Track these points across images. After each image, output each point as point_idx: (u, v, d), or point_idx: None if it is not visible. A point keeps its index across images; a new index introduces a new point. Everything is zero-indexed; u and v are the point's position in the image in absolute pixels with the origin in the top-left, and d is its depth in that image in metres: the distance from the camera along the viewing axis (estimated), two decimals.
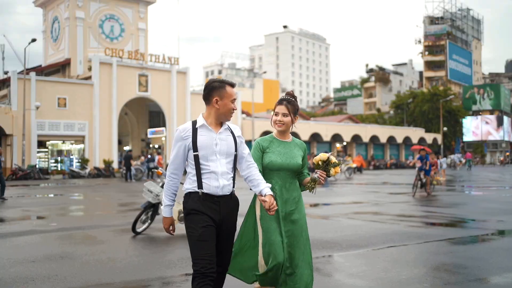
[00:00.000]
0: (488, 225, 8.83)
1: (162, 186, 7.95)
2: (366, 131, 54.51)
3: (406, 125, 65.41)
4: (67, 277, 5.10)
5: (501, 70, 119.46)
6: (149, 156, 29.76)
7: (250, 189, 3.24)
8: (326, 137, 49.41)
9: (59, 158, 34.47)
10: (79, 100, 33.09)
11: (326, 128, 50.11)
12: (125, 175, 26.65)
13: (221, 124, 3.20)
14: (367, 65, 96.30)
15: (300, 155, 3.51)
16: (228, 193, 3.14)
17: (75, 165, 33.36)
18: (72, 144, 35.20)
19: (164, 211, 3.24)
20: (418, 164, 16.23)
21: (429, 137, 62.54)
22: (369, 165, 49.03)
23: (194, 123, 3.17)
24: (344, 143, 53.27)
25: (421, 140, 60.11)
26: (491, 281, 4.85)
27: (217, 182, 3.09)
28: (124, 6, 41.45)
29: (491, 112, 79.93)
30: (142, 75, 35.79)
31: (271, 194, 3.15)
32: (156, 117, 41.14)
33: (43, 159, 33.74)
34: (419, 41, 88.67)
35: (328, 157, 3.41)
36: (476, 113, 79.95)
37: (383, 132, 56.65)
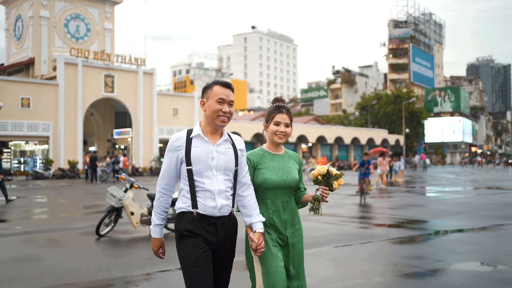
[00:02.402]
0: (433, 225, 9.58)
1: (125, 191, 8.36)
2: (331, 132, 55.67)
3: (371, 126, 67.00)
4: (33, 278, 5.47)
5: (462, 73, 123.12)
6: (116, 157, 29.77)
7: (238, 211, 2.95)
8: (292, 138, 50.22)
9: (22, 159, 34.07)
10: (43, 101, 32.79)
11: (292, 129, 50.86)
12: (90, 176, 26.66)
13: (220, 134, 2.83)
14: (333, 67, 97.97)
15: (296, 169, 3.09)
16: (226, 214, 2.77)
17: (39, 166, 33.04)
18: (36, 144, 34.83)
19: (153, 231, 2.86)
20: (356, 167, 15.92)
21: (392, 139, 64.25)
22: (333, 166, 50.06)
23: (189, 132, 2.81)
24: (310, 144, 54.24)
25: (384, 141, 61.74)
26: (440, 276, 5.49)
27: (214, 202, 2.72)
28: (90, 6, 41.17)
29: (452, 114, 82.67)
30: (108, 75, 35.71)
31: (261, 232, 2.82)
32: (123, 118, 41.07)
33: (5, 160, 33.26)
34: (384, 44, 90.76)
35: (328, 170, 2.96)
36: (438, 115, 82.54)
37: (347, 133, 57.95)
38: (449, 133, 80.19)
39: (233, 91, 2.83)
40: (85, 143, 38.29)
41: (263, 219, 2.88)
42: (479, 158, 70.10)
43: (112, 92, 35.97)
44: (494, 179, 28.16)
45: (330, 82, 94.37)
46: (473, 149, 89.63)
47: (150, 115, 37.88)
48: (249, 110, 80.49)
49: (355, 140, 58.53)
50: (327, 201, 2.96)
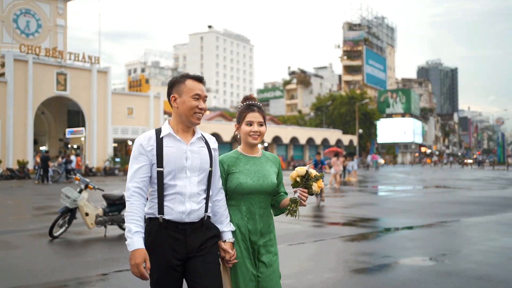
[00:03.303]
0: (383, 223, 9.97)
1: (80, 192, 8.28)
2: (286, 133, 56.34)
3: (326, 127, 68.23)
4: None
5: (413, 75, 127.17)
6: (69, 157, 29.07)
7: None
8: None
9: None
10: None
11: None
12: (41, 177, 25.93)
13: (192, 133, 2.62)
14: (289, 68, 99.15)
15: (274, 172, 2.87)
16: (197, 220, 2.52)
17: None
18: None
19: (132, 242, 2.38)
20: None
21: (346, 139, 65.64)
22: (289, 165, 50.74)
23: (157, 131, 2.57)
24: (266, 144, 54.68)
25: (339, 142, 63.01)
26: (390, 270, 5.77)
27: (183, 206, 2.48)
28: (41, 1, 39.94)
29: (403, 115, 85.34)
30: (61, 73, 34.81)
31: (232, 242, 2.66)
32: (75, 117, 40.11)
33: None
34: (339, 46, 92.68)
35: (307, 171, 2.78)
36: (389, 116, 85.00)
37: (302, 134, 58.81)
38: (400, 134, 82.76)
39: (205, 86, 2.65)
40: (36, 142, 37.16)
41: (233, 228, 2.70)
42: (435, 158, 72.70)
43: (64, 91, 35.08)
44: (441, 178, 29.36)
45: (286, 83, 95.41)
46: (423, 149, 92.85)
47: (104, 114, 37.20)
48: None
49: (310, 140, 59.45)
50: (305, 205, 2.77)
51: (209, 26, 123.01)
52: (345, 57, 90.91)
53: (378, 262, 6.22)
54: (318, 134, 60.83)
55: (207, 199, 2.59)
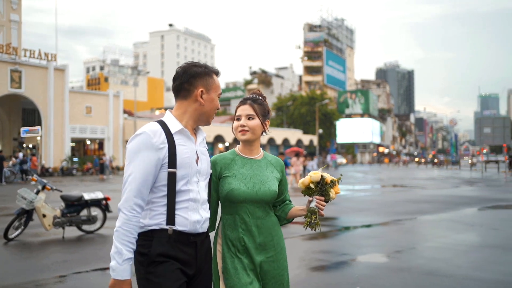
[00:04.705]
0: (342, 222, 10.22)
1: (37, 193, 8.12)
2: None
3: (286, 127, 68.84)
4: None
5: (371, 77, 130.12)
6: (25, 157, 28.23)
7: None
8: (209, 138, 50.37)
9: None
10: None
11: (209, 129, 51.06)
12: None
13: (195, 131, 2.27)
14: (250, 67, 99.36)
15: (275, 178, 2.51)
16: (206, 230, 2.23)
17: None
18: None
19: (119, 269, 1.98)
20: None
21: (306, 139, 66.44)
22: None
23: (163, 125, 2.13)
24: (227, 144, 54.70)
25: (299, 142, 63.70)
26: (348, 265, 5.94)
27: (198, 215, 2.15)
28: None
29: (362, 115, 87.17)
30: (15, 70, 33.73)
31: None
32: (31, 115, 38.96)
33: None
34: (299, 47, 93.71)
35: (322, 176, 2.43)
36: (349, 116, 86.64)
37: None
38: (359, 134, 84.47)
39: None
40: None
41: None
42: (404, 158, 74.38)
43: (19, 88, 34.01)
44: (398, 177, 30.20)
45: (247, 83, 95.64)
46: (381, 149, 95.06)
47: (61, 113, 36.31)
48: (165, 109, 79.50)
49: (271, 140, 59.85)
50: (323, 214, 2.41)
51: (170, 25, 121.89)
52: (305, 58, 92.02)
53: (336, 259, 6.41)
54: (279, 134, 61.31)
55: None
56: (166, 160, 2.07)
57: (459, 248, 7.11)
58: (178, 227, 2.08)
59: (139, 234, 2.08)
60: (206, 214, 2.20)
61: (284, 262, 2.50)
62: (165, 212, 2.08)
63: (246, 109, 2.46)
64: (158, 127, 2.10)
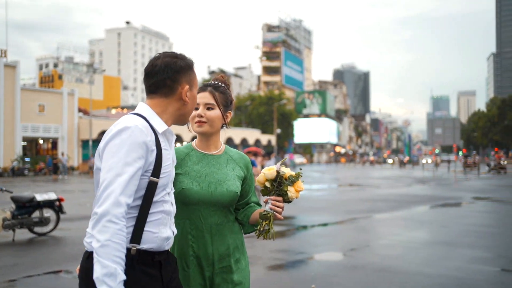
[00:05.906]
0: (299, 221, 10.36)
1: None
2: None
3: (244, 126, 68.99)
4: None
5: (329, 77, 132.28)
6: None
7: None
8: None
9: None
10: None
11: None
12: None
13: None
14: (209, 67, 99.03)
15: (237, 177, 2.13)
16: (169, 247, 1.83)
17: None
18: None
19: None
20: None
21: (265, 138, 66.80)
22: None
23: (147, 121, 1.75)
24: (184, 143, 54.37)
25: (257, 141, 63.98)
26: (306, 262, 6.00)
27: (169, 230, 1.79)
28: None
29: (319, 115, 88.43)
30: None
31: None
32: None
33: None
34: (258, 47, 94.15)
35: (278, 172, 2.05)
36: (306, 116, 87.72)
37: (222, 133, 58.81)
38: (316, 134, 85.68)
39: None
40: None
41: None
42: (371, 158, 75.57)
43: None
44: (354, 177, 30.83)
45: (205, 82, 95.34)
46: (338, 149, 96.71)
47: (12, 111, 35.06)
48: (122, 108, 78.10)
49: (229, 140, 59.82)
50: (281, 218, 2.03)
51: (127, 22, 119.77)
52: (264, 58, 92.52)
53: (293, 258, 6.49)
54: (237, 134, 61.36)
55: None
56: (152, 166, 1.70)
57: (411, 245, 7.34)
58: (144, 245, 1.69)
59: (88, 255, 1.66)
60: (175, 229, 1.85)
61: (241, 272, 2.10)
62: (132, 226, 1.68)
63: (205, 97, 2.11)
64: (146, 123, 1.72)
